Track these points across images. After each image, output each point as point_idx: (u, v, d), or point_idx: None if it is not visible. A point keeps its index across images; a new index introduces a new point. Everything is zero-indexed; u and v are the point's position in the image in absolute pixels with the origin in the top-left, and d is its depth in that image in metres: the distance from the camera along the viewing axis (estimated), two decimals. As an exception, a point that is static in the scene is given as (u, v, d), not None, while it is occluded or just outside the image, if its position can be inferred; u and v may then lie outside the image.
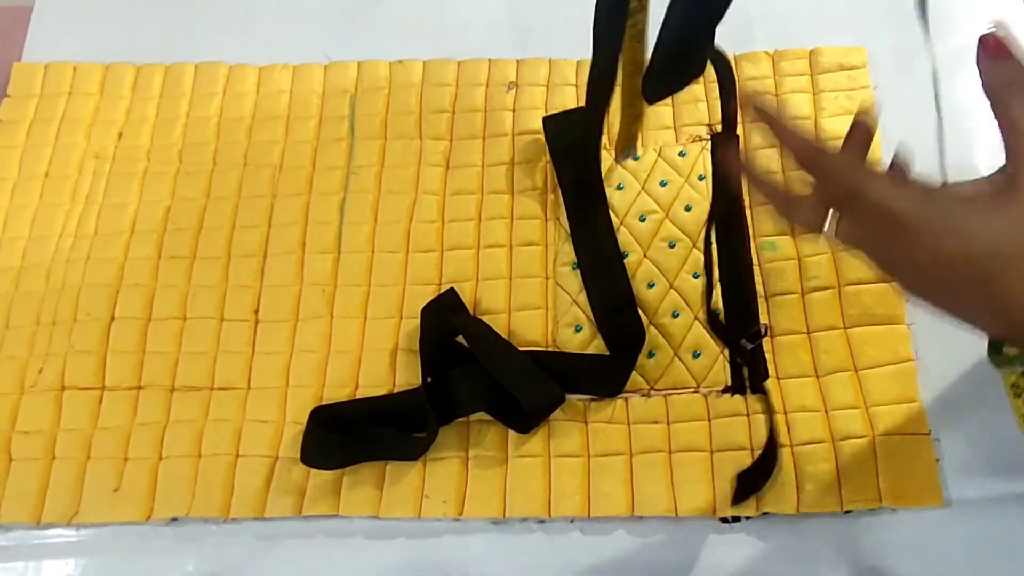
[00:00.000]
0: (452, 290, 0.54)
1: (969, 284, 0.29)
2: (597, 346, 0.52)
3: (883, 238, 0.32)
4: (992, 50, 0.31)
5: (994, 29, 0.31)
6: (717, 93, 0.59)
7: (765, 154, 0.57)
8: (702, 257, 0.54)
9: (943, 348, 0.51)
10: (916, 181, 0.32)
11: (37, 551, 0.50)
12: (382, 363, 0.53)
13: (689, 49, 0.42)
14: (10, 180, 0.60)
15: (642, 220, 0.55)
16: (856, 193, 0.32)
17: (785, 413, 0.50)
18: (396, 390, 0.52)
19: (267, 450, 0.51)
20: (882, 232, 0.32)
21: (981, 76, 0.32)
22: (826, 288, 0.52)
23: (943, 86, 0.59)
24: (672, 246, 0.54)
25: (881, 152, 0.57)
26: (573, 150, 0.57)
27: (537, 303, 0.54)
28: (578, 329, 0.53)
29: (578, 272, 0.54)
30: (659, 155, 0.57)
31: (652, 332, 0.52)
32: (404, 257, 0.56)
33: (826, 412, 0.50)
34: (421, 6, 0.66)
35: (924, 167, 0.55)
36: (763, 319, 0.52)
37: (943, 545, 0.46)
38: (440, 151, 0.60)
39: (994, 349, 0.33)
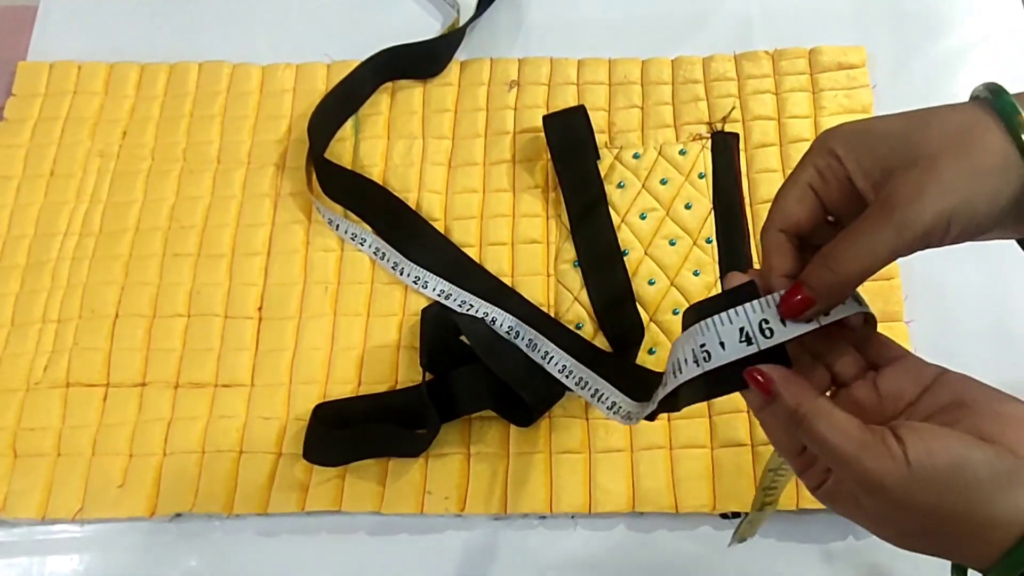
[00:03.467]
0: (454, 288, 0.54)
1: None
2: (598, 343, 0.53)
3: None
4: None
5: None
6: (717, 92, 0.59)
7: (765, 152, 0.57)
8: (702, 255, 0.54)
9: (942, 346, 0.51)
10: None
11: (42, 547, 0.50)
12: (385, 360, 0.53)
13: None
14: (15, 178, 0.61)
15: (643, 218, 0.56)
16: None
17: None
18: (399, 387, 0.52)
19: (270, 446, 0.51)
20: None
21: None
22: (826, 286, 0.53)
23: (943, 86, 0.59)
24: (673, 244, 0.55)
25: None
26: (574, 148, 0.57)
27: (539, 300, 0.54)
28: (579, 326, 0.53)
29: (579, 270, 0.55)
30: (659, 153, 0.58)
31: (653, 329, 0.53)
32: (407, 255, 0.57)
33: (826, 409, 0.50)
34: (422, 6, 0.67)
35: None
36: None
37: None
38: (443, 150, 0.60)
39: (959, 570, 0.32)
